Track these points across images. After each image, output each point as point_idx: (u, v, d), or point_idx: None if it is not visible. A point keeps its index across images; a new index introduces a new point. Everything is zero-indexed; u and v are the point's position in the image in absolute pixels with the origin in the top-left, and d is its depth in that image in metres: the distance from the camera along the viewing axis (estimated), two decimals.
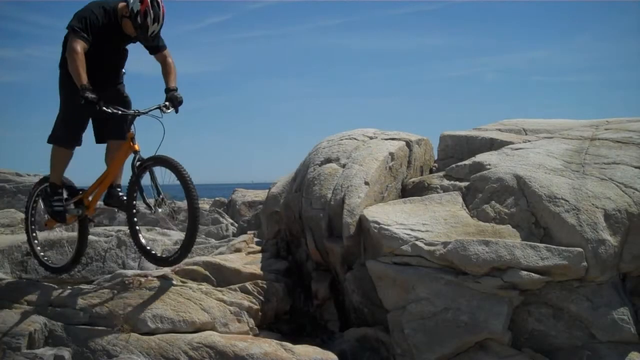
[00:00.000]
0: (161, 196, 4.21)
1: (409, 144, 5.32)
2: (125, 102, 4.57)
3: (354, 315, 4.51)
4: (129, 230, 4.54)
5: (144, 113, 4.34)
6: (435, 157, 5.82)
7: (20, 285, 4.71)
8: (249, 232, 6.92)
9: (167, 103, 4.34)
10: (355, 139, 5.44)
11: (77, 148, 4.56)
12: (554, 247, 3.82)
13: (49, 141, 4.48)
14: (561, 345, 3.82)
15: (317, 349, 3.92)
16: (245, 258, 5.23)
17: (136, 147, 4.28)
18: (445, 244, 3.93)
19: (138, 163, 4.24)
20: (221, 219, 11.27)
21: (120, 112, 4.25)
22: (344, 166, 4.95)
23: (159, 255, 4.39)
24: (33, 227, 4.97)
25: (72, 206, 4.63)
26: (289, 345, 3.87)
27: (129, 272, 4.84)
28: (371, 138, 5.46)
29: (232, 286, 4.53)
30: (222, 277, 4.64)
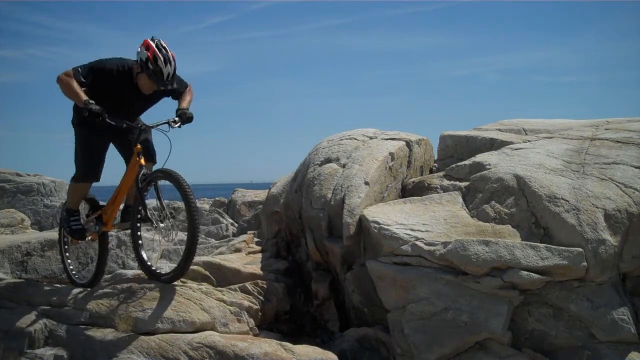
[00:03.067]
0: (165, 211, 4.20)
1: (409, 144, 5.32)
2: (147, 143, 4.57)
3: (354, 315, 4.51)
4: (132, 244, 4.60)
5: (151, 127, 4.34)
6: (435, 157, 5.82)
7: (20, 285, 4.71)
8: (249, 232, 6.93)
9: (176, 118, 4.33)
10: (355, 139, 5.44)
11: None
12: (554, 247, 3.82)
13: (72, 181, 4.57)
14: (561, 345, 3.82)
15: (317, 349, 3.92)
16: (245, 258, 5.24)
17: (142, 161, 4.28)
18: (445, 244, 3.93)
19: (142, 177, 4.23)
20: (221, 219, 11.27)
21: (125, 125, 4.24)
22: (344, 166, 4.95)
23: (157, 271, 4.41)
24: (66, 247, 5.08)
25: (92, 222, 4.71)
26: (289, 345, 3.87)
27: (129, 272, 4.85)
28: (371, 138, 5.46)
29: (232, 286, 4.53)
30: (222, 277, 4.64)
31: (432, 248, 3.96)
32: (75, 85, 4.03)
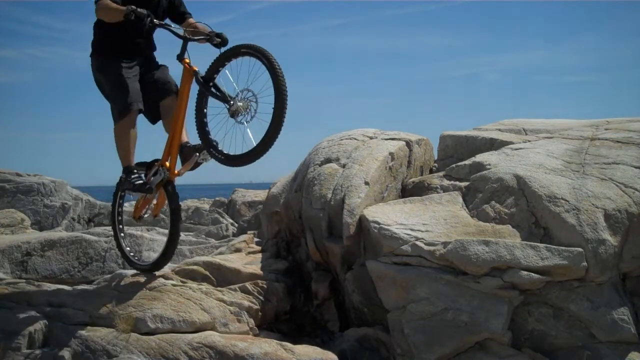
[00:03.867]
0: (236, 93, 3.89)
1: (409, 144, 5.32)
2: (164, 70, 4.48)
3: (354, 315, 4.51)
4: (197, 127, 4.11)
5: (195, 40, 4.20)
6: (435, 157, 5.82)
7: (20, 285, 4.71)
8: (249, 232, 6.93)
9: (216, 38, 4.21)
10: (355, 139, 5.44)
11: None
12: (554, 247, 3.82)
13: (116, 122, 4.26)
14: (561, 345, 3.82)
15: (317, 349, 3.92)
16: (245, 258, 5.23)
17: (195, 67, 4.09)
18: (445, 244, 3.93)
19: (202, 78, 4.00)
20: (221, 219, 11.28)
21: (172, 27, 4.15)
22: (344, 166, 4.95)
23: (223, 151, 4.02)
24: (121, 226, 4.76)
25: (153, 176, 4.36)
26: (289, 345, 3.87)
27: (129, 272, 4.83)
28: (371, 138, 5.46)
29: (232, 286, 4.53)
30: (222, 277, 4.64)
31: (432, 248, 3.96)
32: (111, 3, 3.99)
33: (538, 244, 3.85)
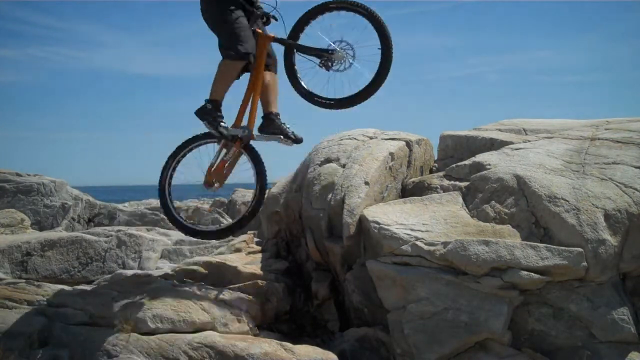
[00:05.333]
0: (327, 45, 4.06)
1: (409, 144, 5.32)
2: None
3: (354, 315, 4.51)
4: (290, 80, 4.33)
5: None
6: (435, 157, 5.82)
7: (20, 285, 4.71)
8: (249, 232, 6.93)
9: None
10: (355, 139, 5.44)
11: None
12: (554, 247, 3.82)
13: (227, 59, 4.26)
14: (561, 345, 3.82)
15: (317, 349, 3.92)
16: (245, 258, 5.24)
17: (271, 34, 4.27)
18: (445, 244, 3.93)
19: (288, 37, 4.16)
20: (221, 219, 11.28)
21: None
22: (344, 166, 4.95)
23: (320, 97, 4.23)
24: (170, 187, 4.55)
25: (234, 129, 4.35)
26: (289, 345, 3.88)
27: (129, 272, 4.84)
28: (371, 138, 5.46)
29: (232, 286, 4.53)
30: (222, 277, 4.64)
31: (432, 248, 3.96)
32: None
33: (538, 244, 3.85)
